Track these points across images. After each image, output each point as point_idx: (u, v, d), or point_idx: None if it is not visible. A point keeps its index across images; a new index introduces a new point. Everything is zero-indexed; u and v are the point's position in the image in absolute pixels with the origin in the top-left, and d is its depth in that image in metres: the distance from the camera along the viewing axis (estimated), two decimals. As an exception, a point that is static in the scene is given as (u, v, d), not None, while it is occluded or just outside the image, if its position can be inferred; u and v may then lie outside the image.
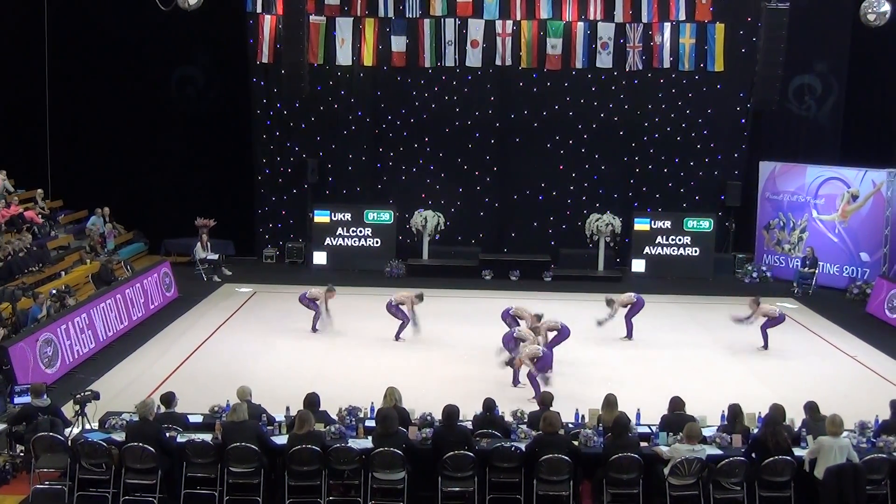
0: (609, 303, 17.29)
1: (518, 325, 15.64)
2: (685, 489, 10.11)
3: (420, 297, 17.01)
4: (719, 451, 10.43)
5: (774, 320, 16.87)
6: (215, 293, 20.95)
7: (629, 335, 17.43)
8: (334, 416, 11.03)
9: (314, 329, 17.50)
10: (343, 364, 15.65)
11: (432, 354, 16.13)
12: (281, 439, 10.51)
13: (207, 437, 10.41)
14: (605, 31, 23.82)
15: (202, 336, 17.27)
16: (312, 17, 23.56)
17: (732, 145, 24.65)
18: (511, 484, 10.28)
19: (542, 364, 13.72)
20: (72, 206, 24.20)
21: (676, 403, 11.17)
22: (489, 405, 11.11)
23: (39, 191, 22.48)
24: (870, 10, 18.49)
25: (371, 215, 23.85)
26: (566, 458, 10.00)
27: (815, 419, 10.76)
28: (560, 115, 24.49)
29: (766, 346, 16.93)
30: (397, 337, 16.98)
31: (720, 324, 17.72)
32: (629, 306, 17.48)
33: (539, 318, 15.33)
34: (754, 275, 23.51)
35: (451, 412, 10.36)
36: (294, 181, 24.80)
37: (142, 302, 18.52)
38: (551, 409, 10.90)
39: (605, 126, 24.49)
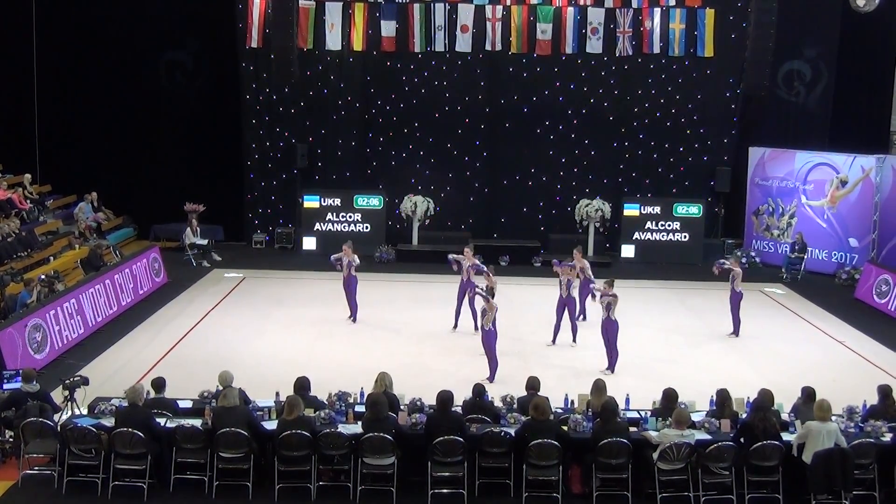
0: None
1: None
2: (674, 474, 10.16)
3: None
4: (708, 436, 10.45)
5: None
6: (204, 278, 20.90)
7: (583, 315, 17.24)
8: (324, 402, 11.04)
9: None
10: (333, 349, 15.65)
11: (423, 339, 16.14)
12: (270, 424, 10.51)
13: (197, 422, 10.40)
14: (595, 16, 23.71)
15: (191, 321, 17.24)
16: (302, 2, 23.37)
17: (722, 131, 24.66)
18: (500, 469, 10.30)
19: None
20: (60, 190, 24.07)
21: (671, 396, 11.02)
22: (479, 391, 11.12)
23: (27, 175, 22.35)
24: (859, -4, 18.56)
25: (361, 200, 23.82)
26: (555, 443, 10.02)
27: (807, 404, 10.79)
28: (550, 101, 24.44)
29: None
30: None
31: (709, 309, 17.75)
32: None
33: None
34: (743, 260, 23.48)
35: (445, 398, 10.36)
36: (283, 166, 24.71)
37: (131, 287, 18.45)
38: (540, 394, 10.93)
39: (595, 111, 24.45)
